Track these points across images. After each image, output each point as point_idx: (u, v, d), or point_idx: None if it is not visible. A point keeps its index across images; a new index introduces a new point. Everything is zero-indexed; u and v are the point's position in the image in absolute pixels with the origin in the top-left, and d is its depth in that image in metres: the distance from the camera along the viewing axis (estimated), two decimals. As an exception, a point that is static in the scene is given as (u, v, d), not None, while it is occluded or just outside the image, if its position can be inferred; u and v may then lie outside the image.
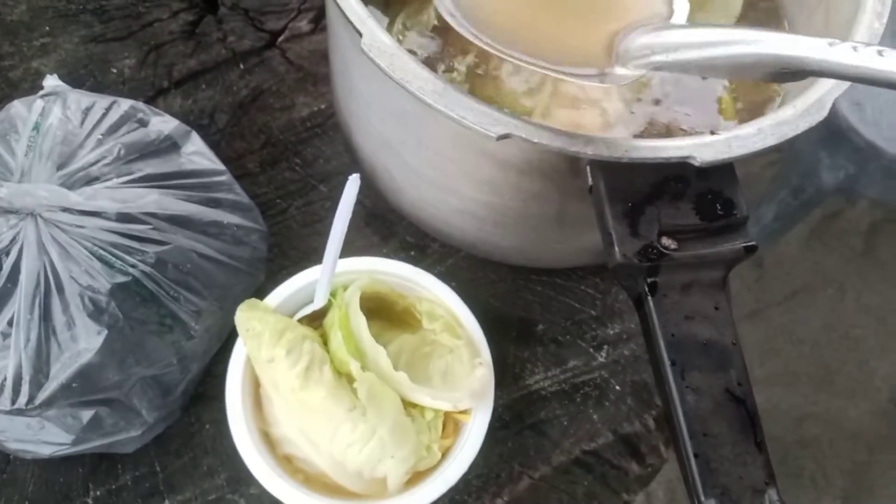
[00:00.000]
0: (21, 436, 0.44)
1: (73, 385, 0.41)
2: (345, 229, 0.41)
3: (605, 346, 0.55)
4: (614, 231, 0.37)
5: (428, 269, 0.56)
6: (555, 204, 0.44)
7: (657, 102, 0.49)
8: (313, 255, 0.57)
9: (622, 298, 0.57)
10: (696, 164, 0.36)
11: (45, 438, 0.44)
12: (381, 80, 0.41)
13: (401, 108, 0.43)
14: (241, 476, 0.50)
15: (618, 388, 0.54)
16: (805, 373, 1.38)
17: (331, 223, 0.58)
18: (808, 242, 1.49)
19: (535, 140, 0.36)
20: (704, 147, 0.37)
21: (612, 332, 0.56)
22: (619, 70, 0.36)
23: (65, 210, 0.41)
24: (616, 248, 0.37)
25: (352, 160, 0.60)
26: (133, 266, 0.42)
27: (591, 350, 0.55)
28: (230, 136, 0.59)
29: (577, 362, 0.55)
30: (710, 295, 0.37)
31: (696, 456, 0.34)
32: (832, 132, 0.93)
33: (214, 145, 0.58)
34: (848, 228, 1.53)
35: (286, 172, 0.59)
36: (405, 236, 0.58)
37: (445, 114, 0.36)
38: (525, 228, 0.48)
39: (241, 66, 0.62)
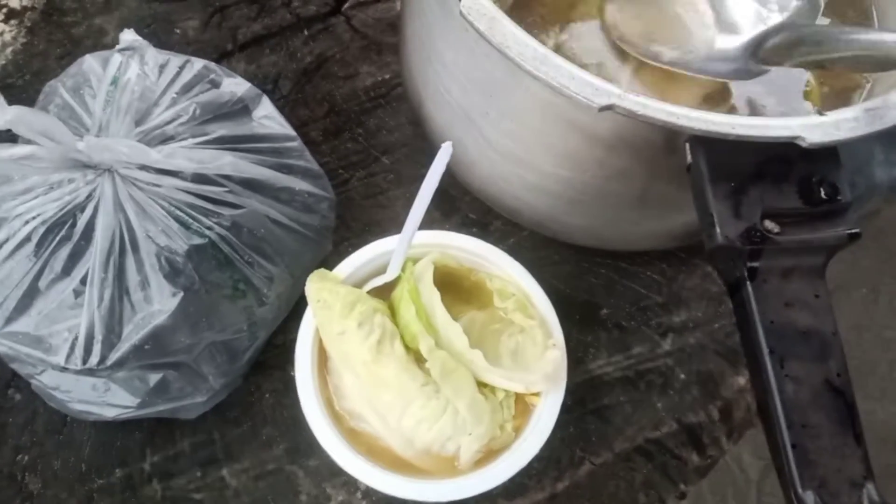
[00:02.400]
0: (86, 397, 0.43)
1: (146, 347, 0.40)
2: (429, 198, 0.40)
3: (671, 334, 0.54)
4: (716, 211, 0.35)
5: (490, 246, 0.55)
6: (640, 183, 0.43)
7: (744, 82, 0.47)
8: (375, 228, 0.56)
9: (688, 286, 0.56)
10: (805, 144, 0.35)
11: (110, 401, 0.43)
12: (471, 46, 0.39)
13: (488, 77, 0.41)
14: (299, 447, 0.50)
15: (682, 376, 0.53)
16: (836, 373, 1.36)
17: (393, 196, 0.57)
18: (844, 241, 1.47)
19: (640, 112, 0.34)
20: (813, 128, 0.35)
21: (677, 320, 0.54)
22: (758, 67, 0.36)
23: (142, 168, 0.41)
24: (718, 230, 0.35)
25: (415, 133, 0.59)
26: (209, 228, 0.41)
27: (657, 337, 0.54)
28: (293, 103, 0.58)
29: (642, 349, 0.54)
30: (810, 282, 0.36)
31: (793, 447, 0.33)
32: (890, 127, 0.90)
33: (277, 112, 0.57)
34: (884, 229, 1.51)
35: (349, 143, 0.58)
36: (467, 213, 0.57)
37: (546, 82, 0.35)
38: (602, 207, 0.46)
39: (306, 33, 0.61)
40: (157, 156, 0.40)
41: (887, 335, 1.43)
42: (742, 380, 0.53)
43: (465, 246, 0.47)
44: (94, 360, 0.39)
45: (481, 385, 0.44)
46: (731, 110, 0.47)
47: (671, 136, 0.37)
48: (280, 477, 0.49)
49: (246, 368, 0.48)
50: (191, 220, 0.41)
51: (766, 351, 0.35)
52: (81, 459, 0.48)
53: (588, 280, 0.55)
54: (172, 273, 0.40)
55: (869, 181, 0.99)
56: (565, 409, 0.52)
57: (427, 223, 0.57)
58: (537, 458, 0.50)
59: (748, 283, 0.35)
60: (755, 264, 0.35)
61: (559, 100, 0.36)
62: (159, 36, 0.59)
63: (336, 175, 0.57)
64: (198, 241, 0.41)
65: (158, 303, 0.40)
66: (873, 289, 1.46)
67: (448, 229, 0.57)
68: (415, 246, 0.47)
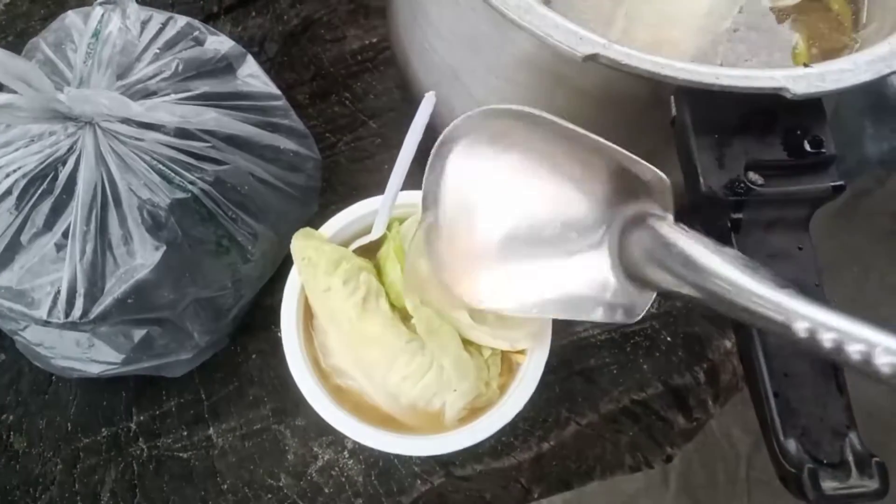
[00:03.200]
0: (69, 353, 0.43)
1: (129, 301, 0.40)
2: (412, 153, 0.40)
3: (657, 298, 0.54)
4: (699, 162, 0.35)
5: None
6: (627, 140, 0.42)
7: (731, 41, 0.47)
8: (362, 191, 0.55)
9: (675, 249, 0.55)
10: (789, 96, 0.35)
11: (95, 357, 0.43)
12: (458, 2, 0.39)
13: (473, 31, 0.41)
14: (286, 407, 0.50)
15: (669, 339, 0.53)
16: (826, 349, 1.37)
17: (380, 160, 0.57)
18: (835, 220, 1.47)
19: (624, 62, 0.34)
20: (798, 79, 0.35)
21: (664, 283, 0.54)
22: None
23: (124, 121, 0.40)
24: (701, 180, 0.35)
25: (403, 97, 0.59)
26: (192, 183, 0.41)
27: (643, 299, 0.54)
28: (280, 66, 0.58)
29: (628, 311, 0.53)
30: (794, 234, 0.36)
31: (776, 395, 0.33)
32: (879, 101, 0.90)
33: (264, 74, 0.56)
34: (875, 209, 1.51)
35: (336, 106, 0.58)
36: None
37: (530, 30, 0.35)
38: (590, 166, 0.46)
39: (293, -5, 0.60)
40: (138, 108, 0.39)
41: (878, 314, 1.44)
42: (728, 343, 0.53)
43: (451, 205, 0.47)
44: (76, 313, 0.39)
45: (467, 343, 0.44)
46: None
47: (657, 89, 0.37)
48: (267, 436, 0.49)
49: (231, 327, 0.48)
50: (173, 175, 0.40)
51: (748, 301, 0.35)
52: (67, 419, 0.48)
53: (575, 244, 0.55)
54: (155, 227, 0.40)
55: (859, 155, 0.99)
56: (551, 370, 0.52)
57: (415, 186, 0.57)
58: (523, 418, 0.51)
59: (732, 234, 0.35)
60: (739, 216, 0.35)
61: (544, 52, 0.36)
62: (144, -3, 0.58)
63: (323, 139, 0.56)
64: (181, 195, 0.40)
65: (141, 256, 0.40)
66: (864, 267, 1.47)
67: (436, 193, 0.57)
68: (402, 205, 0.47)
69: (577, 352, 0.52)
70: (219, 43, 0.47)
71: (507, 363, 0.45)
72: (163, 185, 0.40)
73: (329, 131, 0.57)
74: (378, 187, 0.56)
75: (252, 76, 0.48)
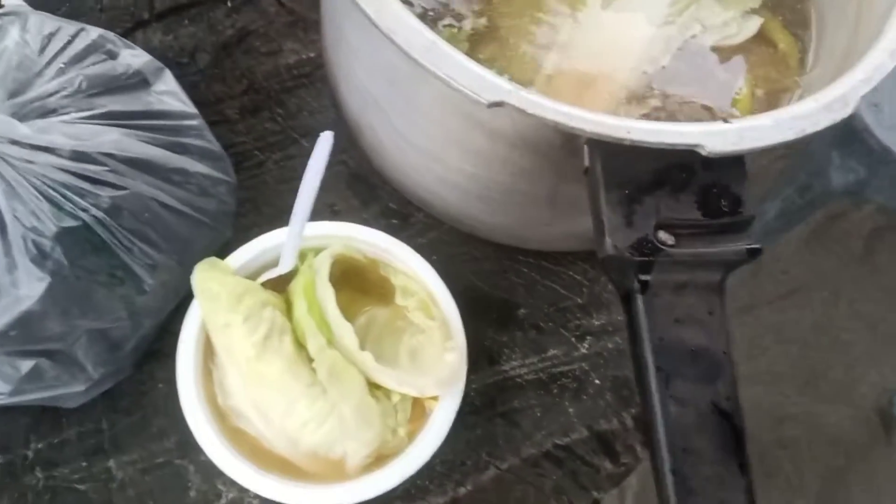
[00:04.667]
0: (-47, 381, 0.41)
1: (11, 333, 0.38)
2: (314, 190, 0.38)
3: (588, 337, 0.52)
4: (607, 219, 0.34)
5: (409, 239, 0.52)
6: (547, 183, 0.41)
7: (669, 84, 0.45)
8: (288, 214, 0.53)
9: (610, 288, 0.54)
10: (704, 153, 0.33)
11: (-21, 386, 0.41)
12: (370, 29, 0.37)
13: (390, 64, 0.39)
14: (191, 441, 0.47)
15: (597, 382, 0.51)
16: (790, 373, 1.36)
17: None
18: (807, 243, 1.46)
19: (530, 111, 0.32)
20: (714, 136, 0.33)
21: (596, 323, 0.53)
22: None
23: (14, 143, 0.38)
24: (607, 239, 0.33)
25: (337, 116, 0.56)
26: (84, 210, 0.39)
27: (574, 340, 0.52)
28: (210, 78, 0.56)
29: (558, 351, 0.52)
30: (705, 298, 0.34)
31: (673, 473, 0.32)
32: (846, 132, 0.89)
33: (193, 86, 0.54)
34: (850, 231, 1.50)
35: (267, 123, 0.55)
36: (388, 202, 0.55)
37: (432, 72, 0.33)
38: (512, 206, 0.44)
39: (229, 4, 0.58)
40: (26, 130, 0.37)
41: (845, 338, 1.42)
42: (659, 388, 0.52)
43: (369, 239, 0.45)
44: (-48, 346, 0.37)
45: (376, 387, 0.42)
46: (653, 112, 0.44)
47: (570, 137, 0.35)
48: (169, 470, 0.47)
49: (134, 357, 0.45)
50: (64, 201, 0.38)
51: (652, 369, 0.33)
52: (-40, 445, 0.46)
53: (508, 278, 0.53)
54: (40, 257, 0.37)
55: (825, 185, 0.97)
56: (473, 410, 0.50)
57: (345, 211, 0.55)
58: (440, 461, 0.49)
59: (638, 296, 0.34)
60: (646, 277, 0.33)
61: (455, 93, 0.34)
62: (72, 2, 0.56)
63: (250, 156, 0.54)
64: (70, 223, 0.38)
65: (25, 287, 0.37)
66: (834, 292, 1.45)
67: (367, 219, 0.55)
68: (318, 237, 0.45)
69: (502, 392, 0.51)
70: (132, 57, 0.45)
71: (420, 408, 0.44)
72: (51, 212, 0.38)
73: (258, 149, 0.55)
74: (305, 211, 0.54)
75: (168, 93, 0.46)
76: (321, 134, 0.37)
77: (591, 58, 0.45)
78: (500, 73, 0.34)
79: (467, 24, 0.45)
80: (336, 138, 0.56)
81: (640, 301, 0.34)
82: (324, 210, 0.54)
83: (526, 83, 0.43)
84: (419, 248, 0.46)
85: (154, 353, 0.48)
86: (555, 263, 0.54)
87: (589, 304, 0.53)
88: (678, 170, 0.34)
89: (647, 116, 0.44)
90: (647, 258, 0.33)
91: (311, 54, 0.57)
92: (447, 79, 0.32)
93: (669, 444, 0.32)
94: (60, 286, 0.38)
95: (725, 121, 0.34)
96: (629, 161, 0.34)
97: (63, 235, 0.38)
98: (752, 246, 0.34)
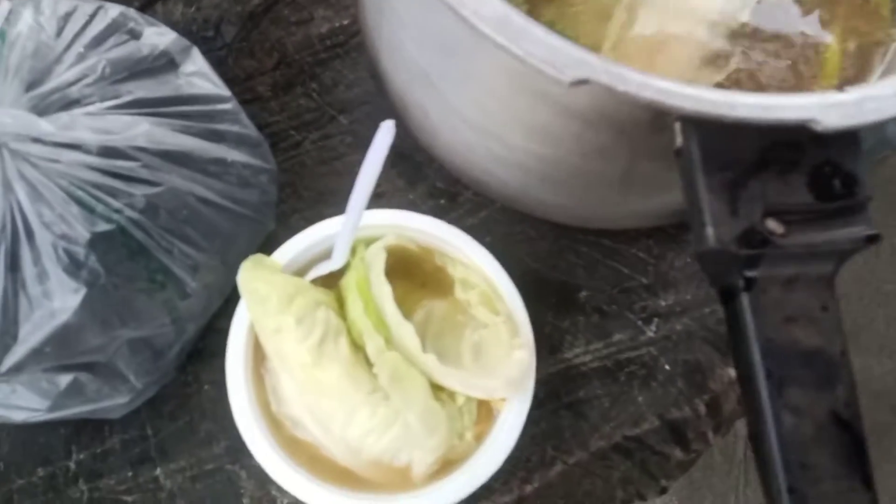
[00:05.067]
0: (-12, 398, 0.38)
1: (46, 349, 0.35)
2: (373, 182, 0.34)
3: (656, 320, 0.49)
4: (708, 208, 0.30)
5: (459, 220, 0.49)
6: (623, 162, 0.37)
7: (748, 43, 0.41)
8: (330, 197, 0.50)
9: (677, 265, 0.50)
10: (819, 129, 0.29)
11: (17, 403, 0.38)
12: (424, -2, 0.33)
13: (446, 35, 0.35)
14: (242, 445, 0.44)
15: (667, 367, 0.48)
16: (832, 327, 1.32)
17: (351, 162, 0.51)
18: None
19: (621, 88, 0.28)
20: (830, 108, 0.29)
21: (664, 304, 0.49)
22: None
23: (36, 141, 0.34)
24: (709, 230, 0.29)
25: (377, 89, 0.52)
26: (118, 212, 0.35)
27: (640, 323, 0.49)
28: (238, 53, 0.51)
29: (623, 336, 0.48)
30: (817, 292, 0.30)
31: (790, 491, 0.28)
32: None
33: (220, 62, 0.50)
34: (893, 178, 1.44)
35: (301, 99, 0.51)
36: (435, 181, 0.51)
37: (506, 48, 0.29)
38: (580, 186, 0.40)
39: (253, -31, 0.53)
40: (48, 127, 0.33)
41: (886, 289, 1.38)
42: (733, 372, 0.48)
43: (424, 228, 0.42)
44: (-15, 365, 0.34)
45: (439, 389, 0.39)
46: (732, 76, 0.40)
47: (659, 114, 0.30)
48: (220, 477, 0.44)
49: (177, 362, 0.43)
50: (95, 203, 0.35)
51: (762, 374, 0.29)
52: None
53: (567, 259, 0.50)
54: (73, 266, 0.34)
55: (880, 135, 0.92)
56: (536, 404, 0.47)
57: (390, 193, 0.52)
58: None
59: (744, 293, 0.30)
60: (753, 273, 0.30)
61: (526, 68, 0.30)
62: (85, -28, 0.52)
63: (286, 137, 0.50)
64: (103, 227, 0.35)
65: (59, 300, 0.34)
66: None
67: (413, 200, 0.51)
68: (369, 226, 0.41)
69: (566, 382, 0.47)
70: (158, 35, 0.41)
71: (486, 408, 0.40)
72: (82, 215, 0.34)
73: (294, 128, 0.51)
74: (349, 192, 0.50)
75: (198, 74, 0.42)
76: (382, 124, 0.33)
77: (663, 16, 0.41)
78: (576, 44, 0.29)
79: (521, -16, 0.41)
80: (376, 113, 0.52)
81: (745, 299, 0.30)
82: (367, 193, 0.50)
83: (592, 50, 0.39)
84: (470, 230, 0.43)
85: (198, 352, 0.45)
86: (616, 241, 0.50)
87: (655, 284, 0.49)
88: (786, 148, 0.30)
89: (727, 81, 0.40)
90: (755, 251, 0.29)
91: (345, 21, 0.53)
92: (524, 55, 0.28)
93: (784, 460, 0.29)
94: (97, 296, 0.35)
95: (841, 90, 0.30)
96: (730, 139, 0.30)
97: (97, 241, 0.34)
98: (871, 232, 0.30)
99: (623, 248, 0.50)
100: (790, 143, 0.30)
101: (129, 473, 0.44)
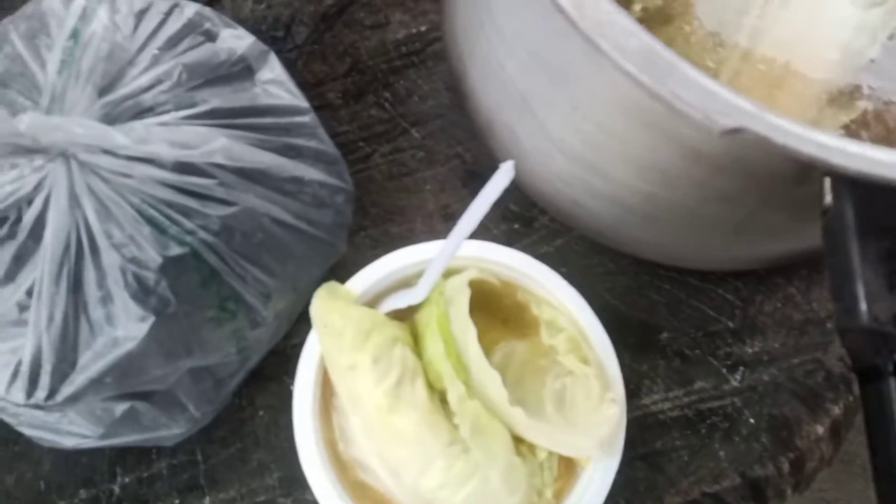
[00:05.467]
0: (38, 423, 0.36)
1: (107, 380, 0.32)
2: (479, 220, 0.31)
3: (741, 368, 0.45)
4: (863, 281, 0.26)
5: (533, 246, 0.46)
6: (746, 209, 0.33)
7: (879, 81, 0.37)
8: (398, 216, 0.47)
9: (766, 310, 0.47)
10: None
11: (68, 428, 0.35)
12: (542, 17, 0.30)
13: (561, 60, 0.32)
14: (296, 476, 0.42)
15: (751, 420, 0.45)
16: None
17: (422, 179, 0.48)
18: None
19: (780, 142, 0.25)
20: None
21: (750, 351, 0.46)
22: None
23: (106, 152, 0.31)
24: (863, 306, 0.26)
25: (453, 102, 0.49)
26: (191, 233, 0.32)
27: (724, 371, 0.45)
28: (309, 56, 0.48)
29: (706, 384, 0.45)
30: (973, 380, 0.27)
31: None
32: None
33: (289, 66, 0.47)
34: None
35: (373, 109, 0.48)
36: (508, 204, 0.48)
37: (650, 88, 0.25)
38: (688, 228, 0.37)
39: (328, -33, 0.50)
40: (123, 140, 0.30)
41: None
42: (821, 429, 0.45)
43: (508, 262, 0.39)
44: (40, 394, 0.31)
45: (519, 441, 0.36)
46: (859, 118, 0.37)
47: (807, 167, 0.27)
48: (271, 511, 0.42)
49: (236, 389, 0.40)
50: (168, 223, 0.32)
51: (909, 472, 0.26)
52: (40, 476, 0.41)
53: (648, 296, 0.46)
54: (142, 293, 0.31)
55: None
56: (610, 453, 0.44)
57: (459, 214, 0.47)
58: (573, 510, 0.43)
59: (892, 378, 0.27)
60: (907, 355, 0.26)
61: (660, 106, 0.26)
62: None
63: (356, 148, 0.47)
64: (176, 250, 0.32)
65: (124, 327, 0.32)
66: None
67: (485, 223, 0.47)
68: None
69: (642, 430, 0.44)
70: (235, 38, 0.38)
71: (567, 463, 0.37)
72: (153, 237, 0.32)
73: (363, 139, 0.48)
74: (417, 211, 0.48)
75: (274, 82, 0.39)
76: (502, 164, 0.30)
77: (784, 48, 0.37)
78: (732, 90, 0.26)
79: (637, 3, 0.37)
80: (450, 128, 0.49)
81: (893, 384, 0.27)
82: (435, 212, 0.47)
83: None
84: (544, 258, 0.39)
85: (253, 375, 0.42)
86: (702, 280, 0.47)
87: (742, 329, 0.46)
88: (951, 214, 0.27)
89: (855, 122, 0.36)
90: (914, 333, 0.26)
91: (422, 28, 0.49)
92: (671, 98, 0.25)
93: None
94: (165, 325, 0.32)
95: None
96: (888, 201, 0.27)
97: (168, 266, 0.32)
98: None
99: (709, 288, 0.47)
100: (956, 209, 0.27)
101: (177, 501, 0.41)
